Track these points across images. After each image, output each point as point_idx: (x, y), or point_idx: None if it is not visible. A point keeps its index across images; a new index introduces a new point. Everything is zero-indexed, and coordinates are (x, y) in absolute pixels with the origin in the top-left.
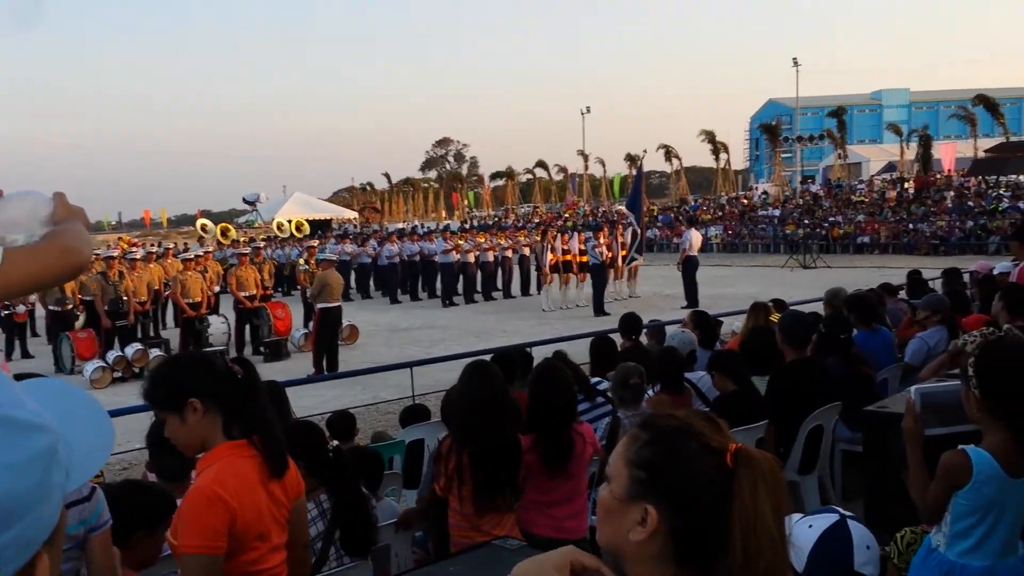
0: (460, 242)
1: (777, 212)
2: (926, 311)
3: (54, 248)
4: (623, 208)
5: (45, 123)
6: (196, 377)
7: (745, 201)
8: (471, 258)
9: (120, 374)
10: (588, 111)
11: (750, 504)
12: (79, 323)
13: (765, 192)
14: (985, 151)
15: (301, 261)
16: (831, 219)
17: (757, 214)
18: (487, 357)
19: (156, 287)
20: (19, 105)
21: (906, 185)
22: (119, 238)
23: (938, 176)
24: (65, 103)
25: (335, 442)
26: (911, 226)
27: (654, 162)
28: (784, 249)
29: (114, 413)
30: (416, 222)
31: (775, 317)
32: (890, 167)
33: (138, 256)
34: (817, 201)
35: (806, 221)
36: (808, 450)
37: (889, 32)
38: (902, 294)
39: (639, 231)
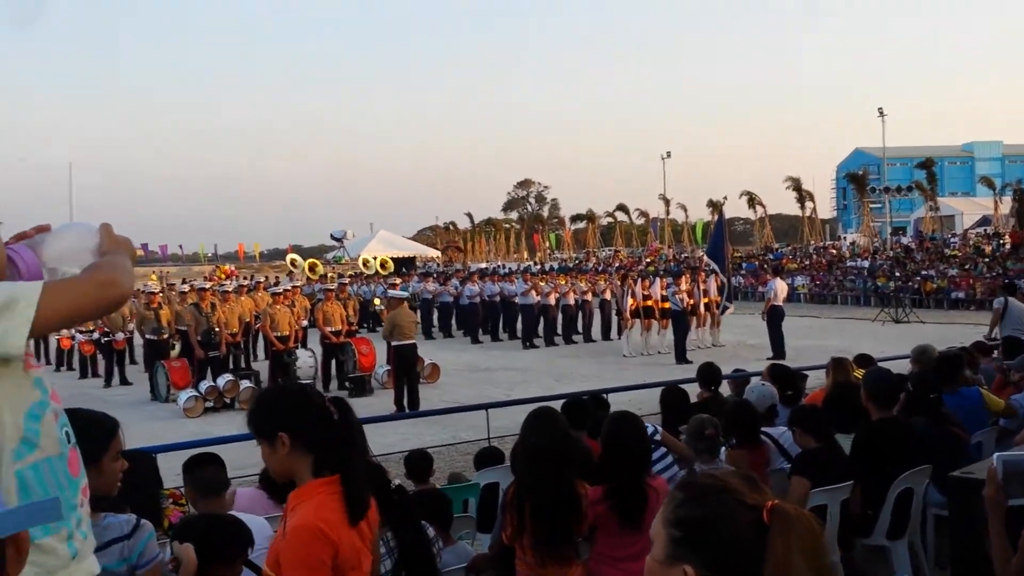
0: (540, 283)
1: (866, 263)
2: (1021, 372)
3: (92, 281)
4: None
5: (147, 157)
6: (289, 412)
7: (833, 251)
8: (552, 300)
9: (212, 404)
10: (668, 156)
11: (782, 561)
12: (174, 352)
13: (854, 242)
14: None
15: (376, 301)
16: (923, 272)
17: (846, 265)
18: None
19: (247, 319)
20: (115, 135)
21: (1002, 240)
22: (216, 267)
23: None
24: (161, 137)
25: (397, 481)
26: (1007, 282)
27: (738, 209)
28: (874, 302)
29: (206, 443)
30: (498, 262)
31: (859, 373)
32: (984, 221)
33: (230, 289)
34: (909, 253)
35: (897, 274)
36: (898, 514)
37: (981, 83)
38: (996, 353)
39: (725, 279)
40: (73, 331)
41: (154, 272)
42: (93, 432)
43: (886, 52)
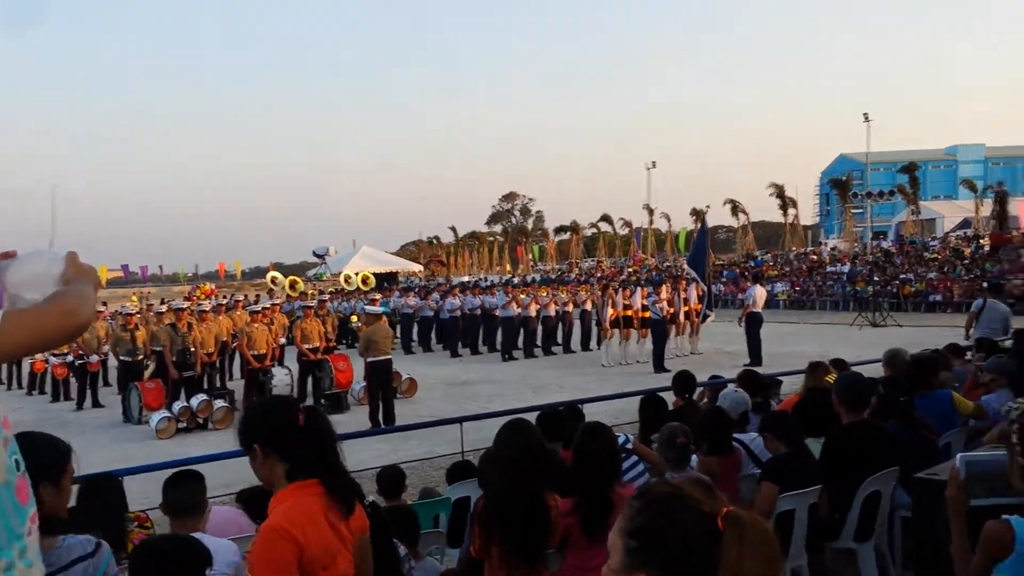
0: (521, 296)
1: (846, 269)
2: (991, 373)
3: (54, 310)
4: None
5: (123, 178)
6: (259, 425)
7: (814, 257)
8: (532, 312)
9: (184, 424)
10: (653, 165)
11: (736, 568)
12: (148, 373)
13: (835, 248)
14: None
15: (354, 318)
16: (902, 276)
17: (826, 270)
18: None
19: (224, 339)
20: (95, 159)
21: (981, 242)
22: (196, 287)
23: (1015, 233)
24: (142, 159)
25: (371, 498)
26: (985, 284)
27: (721, 216)
28: (853, 307)
29: (175, 464)
30: (481, 275)
31: (831, 378)
32: (965, 223)
33: (207, 308)
34: (888, 258)
35: (876, 278)
36: (865, 517)
37: (963, 87)
38: (969, 355)
39: (706, 288)
40: (47, 354)
41: (135, 293)
42: (52, 454)
43: (872, 57)
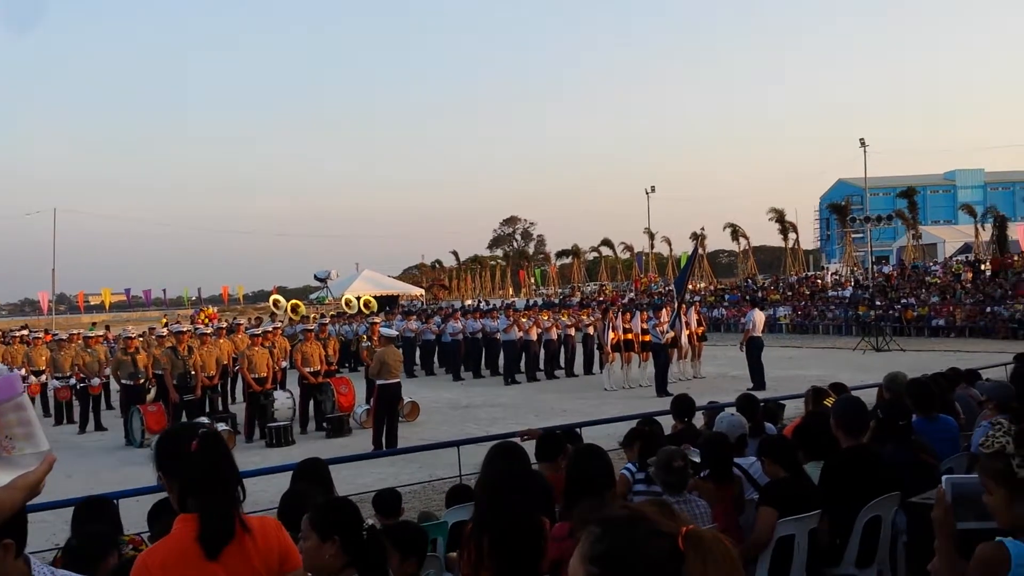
0: (522, 319)
1: (848, 293)
2: (994, 400)
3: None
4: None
5: (129, 199)
6: (161, 453)
7: (816, 281)
8: (534, 335)
9: None
10: (653, 190)
11: None
12: (150, 396)
13: (836, 272)
14: None
15: (364, 338)
16: (904, 301)
17: (828, 295)
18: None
19: (225, 362)
20: (103, 180)
21: (983, 267)
22: (200, 309)
23: (1015, 258)
24: (148, 181)
25: (370, 521)
26: (988, 309)
27: (722, 241)
28: (856, 331)
29: None
30: (483, 299)
31: (830, 401)
32: (966, 248)
33: (208, 331)
34: (890, 282)
35: (878, 303)
36: (866, 542)
37: (962, 112)
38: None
39: (674, 307)
40: (46, 377)
41: (164, 315)
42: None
43: (868, 83)
